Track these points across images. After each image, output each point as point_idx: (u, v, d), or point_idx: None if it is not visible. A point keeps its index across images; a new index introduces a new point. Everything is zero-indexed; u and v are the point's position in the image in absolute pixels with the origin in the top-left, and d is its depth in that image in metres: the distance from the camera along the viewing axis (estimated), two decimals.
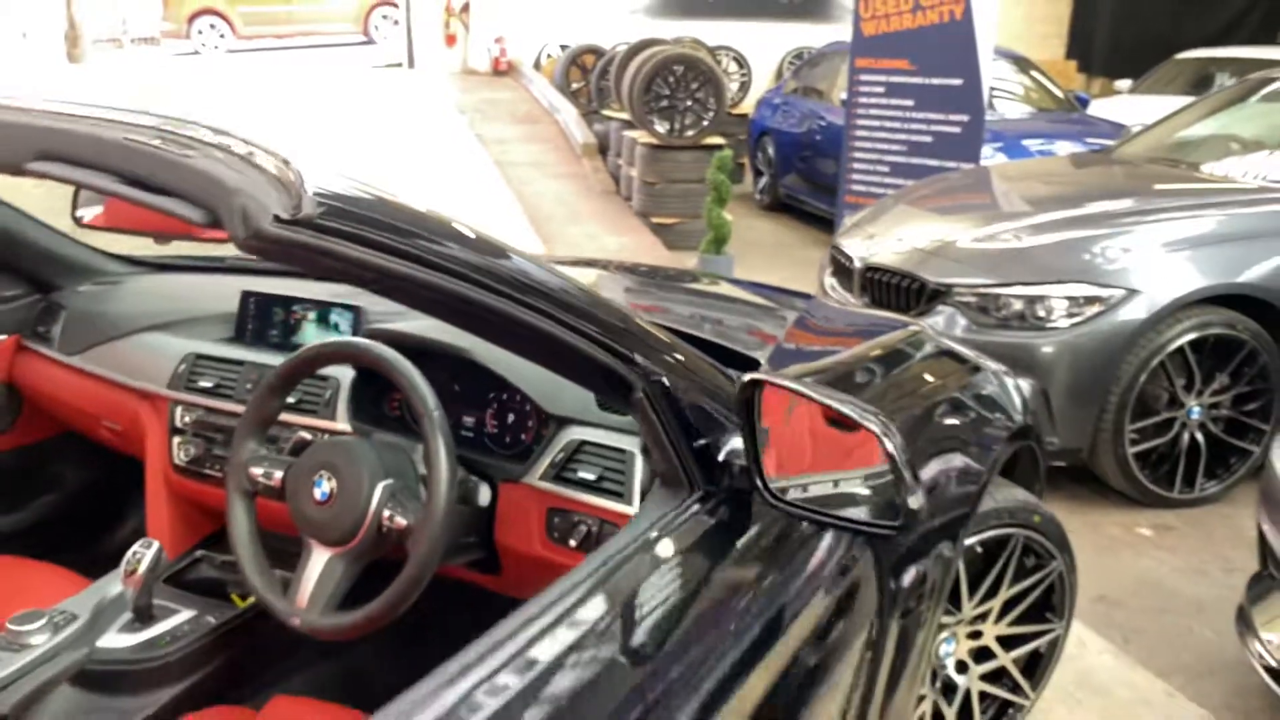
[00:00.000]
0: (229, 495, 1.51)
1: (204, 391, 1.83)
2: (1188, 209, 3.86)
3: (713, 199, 6.24)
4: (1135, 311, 3.45)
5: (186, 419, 1.84)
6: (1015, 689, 2.27)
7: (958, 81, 5.67)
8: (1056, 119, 7.44)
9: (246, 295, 1.95)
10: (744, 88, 11.68)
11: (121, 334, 1.98)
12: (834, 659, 1.43)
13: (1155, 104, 7.47)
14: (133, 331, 1.98)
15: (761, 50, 11.91)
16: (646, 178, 7.64)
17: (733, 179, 6.46)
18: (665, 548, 1.19)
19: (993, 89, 7.12)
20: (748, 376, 1.21)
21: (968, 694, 2.21)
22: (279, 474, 1.47)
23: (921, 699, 2.11)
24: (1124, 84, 10.49)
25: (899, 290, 3.86)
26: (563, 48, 11.52)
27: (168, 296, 2.10)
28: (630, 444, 1.47)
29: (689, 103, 7.63)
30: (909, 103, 5.88)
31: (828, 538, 1.38)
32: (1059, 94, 7.83)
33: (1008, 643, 2.24)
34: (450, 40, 11.45)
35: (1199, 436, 3.59)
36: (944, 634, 2.13)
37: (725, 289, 2.70)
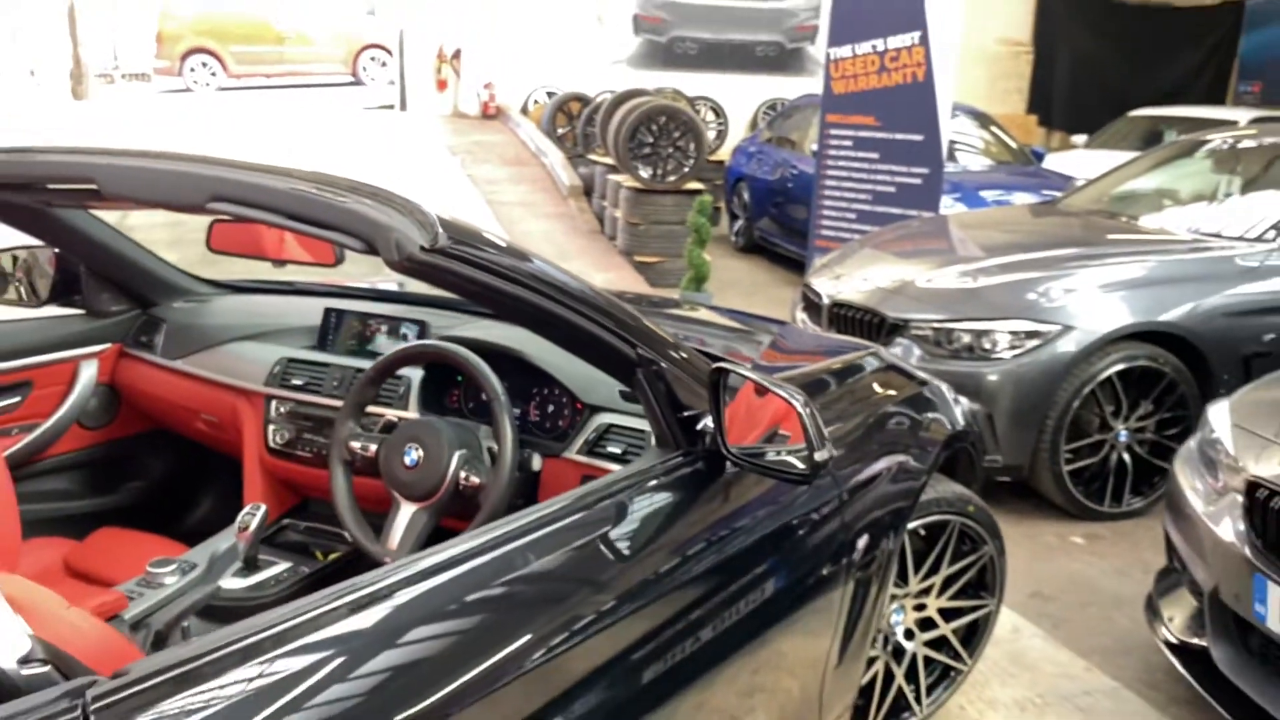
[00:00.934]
0: (331, 466, 1.92)
1: (295, 388, 2.24)
2: (1121, 256, 4.35)
3: (693, 240, 6.73)
4: (1070, 345, 3.92)
5: (281, 410, 2.25)
6: (955, 656, 2.69)
7: (919, 137, 6.19)
8: (1013, 171, 8.00)
9: (329, 311, 2.37)
10: (721, 136, 12.24)
11: (218, 342, 2.39)
12: (798, 585, 1.86)
13: (1108, 158, 8.03)
14: (228, 341, 2.39)
15: (737, 101, 12.50)
16: (630, 219, 8.11)
17: (710, 222, 6.94)
18: (651, 485, 1.61)
19: (954, 142, 7.67)
20: (714, 365, 1.65)
21: (914, 658, 2.62)
22: (373, 447, 1.88)
23: (874, 660, 2.52)
24: (1080, 139, 11.13)
25: (862, 324, 4.32)
26: (549, 94, 12.05)
27: (250, 313, 2.51)
28: (647, 425, 1.90)
29: (671, 150, 8.14)
30: (874, 155, 6.40)
31: (783, 491, 1.81)
32: (1016, 148, 8.39)
33: (948, 615, 2.66)
34: (441, 85, 11.95)
35: (1126, 457, 4.06)
36: (894, 604, 2.55)
37: (705, 315, 3.14)
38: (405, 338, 2.26)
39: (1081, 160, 9.21)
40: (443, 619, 1.24)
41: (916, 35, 6.10)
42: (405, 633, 1.18)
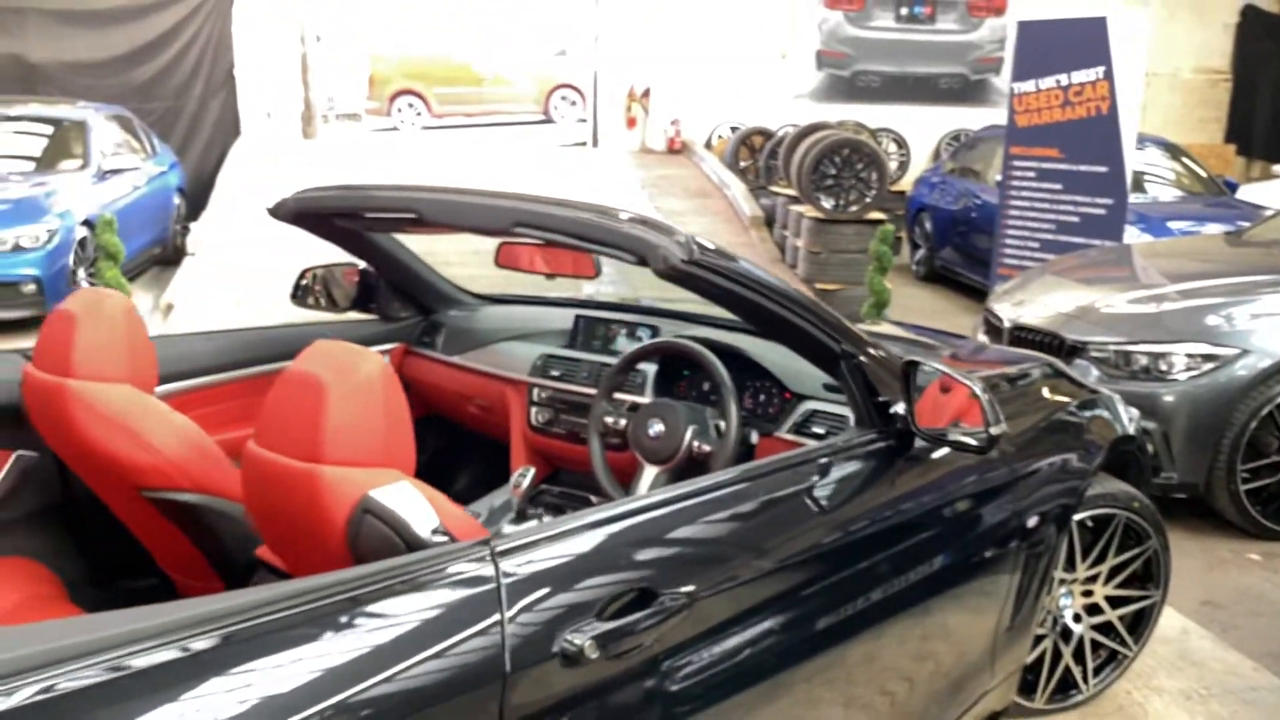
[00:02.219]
0: (590, 437, 2.41)
1: (554, 378, 2.76)
2: None
3: (875, 268, 7.03)
4: (1247, 368, 4.07)
5: (542, 396, 2.77)
6: (1121, 642, 2.95)
7: (1103, 169, 6.34)
8: (1203, 202, 7.94)
9: (579, 317, 2.88)
10: (903, 167, 12.43)
11: (488, 342, 2.93)
12: (972, 548, 2.22)
13: None
14: (496, 341, 2.93)
15: (920, 132, 12.67)
16: (812, 248, 8.48)
17: (891, 250, 7.24)
18: (850, 456, 2.00)
19: (1142, 174, 7.71)
20: (906, 358, 2.04)
21: (1082, 640, 2.90)
22: (623, 422, 2.36)
23: (1042, 639, 2.81)
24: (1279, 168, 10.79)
25: (1042, 347, 4.55)
26: (733, 129, 12.56)
27: (509, 319, 3.05)
28: (845, 411, 2.30)
29: (853, 181, 8.45)
30: (1058, 186, 6.57)
31: (968, 462, 2.17)
32: (1206, 178, 8.31)
33: (1114, 603, 2.93)
34: (631, 122, 12.65)
35: None
36: (1063, 589, 2.83)
37: (889, 328, 3.50)
38: (641, 339, 2.74)
39: (1279, 191, 9.00)
40: (687, 530, 1.68)
41: (1101, 70, 6.26)
42: (662, 536, 1.63)
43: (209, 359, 2.65)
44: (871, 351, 2.07)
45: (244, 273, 7.86)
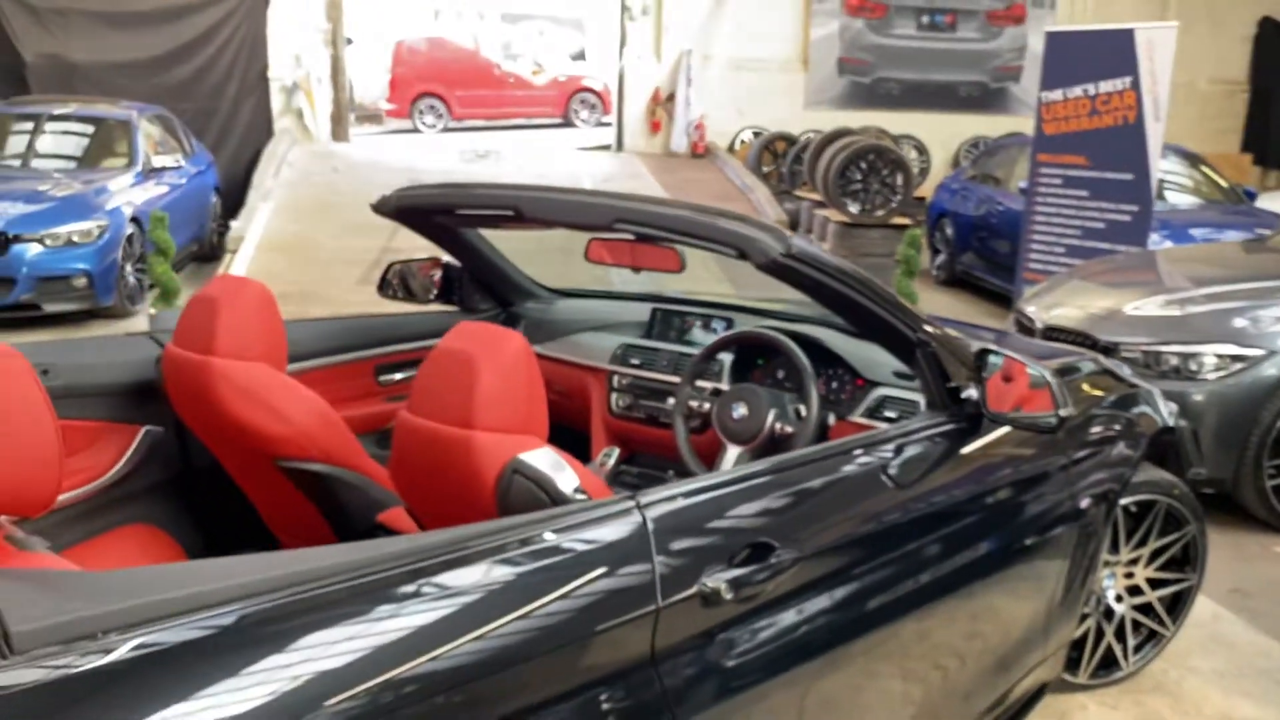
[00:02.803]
0: (675, 420, 2.60)
1: (634, 366, 2.94)
2: None
3: (902, 271, 7.21)
4: (1274, 368, 4.24)
5: (622, 383, 2.95)
6: (1160, 622, 3.12)
7: (1129, 176, 6.51)
8: (1223, 210, 8.09)
9: (655, 310, 3.07)
10: (923, 173, 12.61)
11: (568, 333, 3.12)
12: (1032, 526, 2.40)
13: None
14: (575, 332, 3.12)
15: (940, 139, 12.86)
16: (838, 252, 8.67)
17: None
18: (924, 436, 2.18)
19: (1163, 181, 7.88)
20: (977, 346, 2.21)
21: (1123, 620, 3.07)
22: (707, 406, 2.54)
23: (1086, 618, 2.98)
24: None
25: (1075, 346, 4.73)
26: (755, 134, 12.75)
27: (584, 311, 3.24)
28: (915, 396, 2.48)
29: (878, 186, 8.67)
30: (1084, 193, 6.74)
31: (1028, 447, 2.35)
32: (1226, 187, 8.48)
33: (1154, 585, 3.10)
34: (655, 126, 12.86)
35: None
36: (1106, 571, 3.01)
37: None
38: (715, 330, 2.93)
39: None
40: (789, 497, 1.85)
41: (1128, 80, 6.44)
42: (769, 500, 1.81)
43: (316, 343, 2.84)
44: (945, 340, 2.25)
45: (282, 268, 8.07)
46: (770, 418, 2.44)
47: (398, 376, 3.06)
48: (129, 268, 7.49)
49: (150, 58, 11.05)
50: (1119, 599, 3.06)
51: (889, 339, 2.23)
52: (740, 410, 2.48)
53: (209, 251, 9.46)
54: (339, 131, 12.40)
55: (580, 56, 20.76)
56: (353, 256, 8.24)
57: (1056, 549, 2.54)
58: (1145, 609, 3.11)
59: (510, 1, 20.94)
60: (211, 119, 11.29)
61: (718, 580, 1.57)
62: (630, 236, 2.38)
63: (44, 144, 8.47)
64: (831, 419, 2.54)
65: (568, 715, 1.37)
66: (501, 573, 1.39)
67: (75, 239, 7.03)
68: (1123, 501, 2.89)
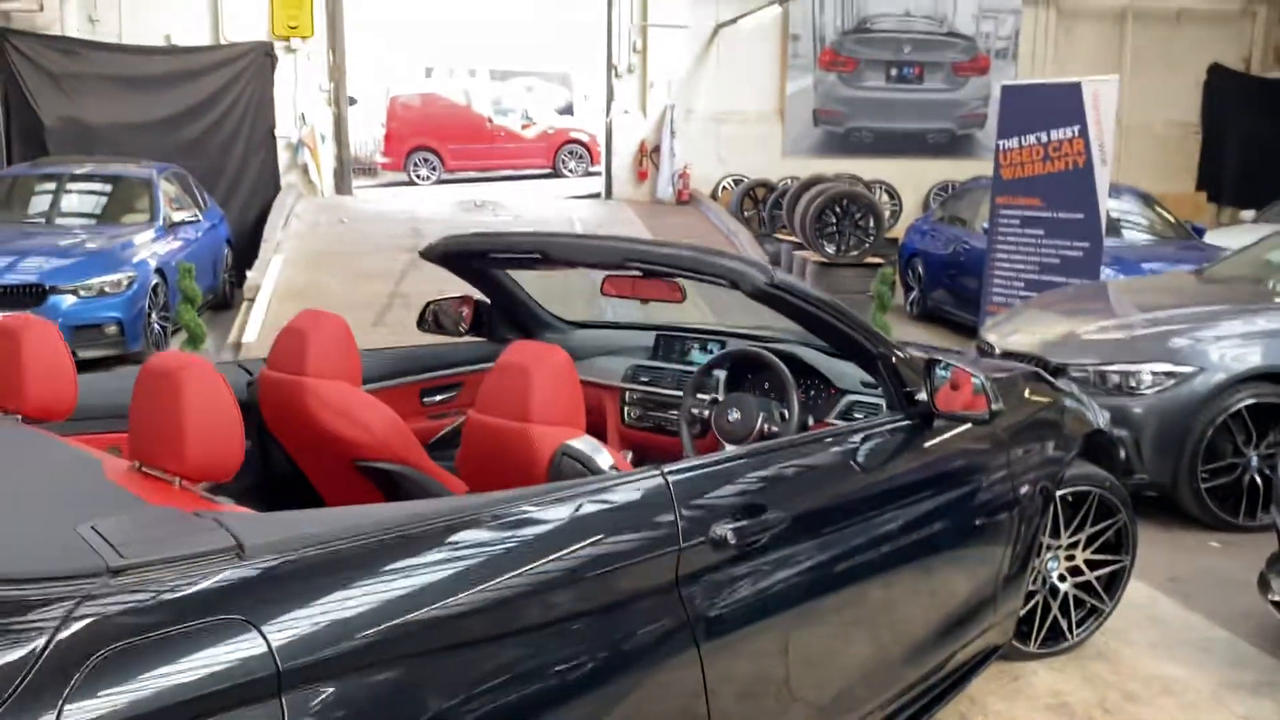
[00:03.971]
0: (680, 425, 3.11)
1: (643, 383, 3.47)
2: (1249, 312, 5.19)
3: (876, 306, 7.78)
4: (1203, 383, 4.79)
5: (633, 397, 3.47)
6: (1099, 598, 3.62)
7: (1080, 215, 7.11)
8: (1174, 245, 8.71)
9: (659, 336, 3.60)
10: (895, 215, 13.25)
11: (584, 357, 3.63)
12: (977, 510, 2.91)
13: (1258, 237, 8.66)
14: (590, 356, 3.64)
15: (910, 183, 13.54)
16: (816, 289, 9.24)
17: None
18: (883, 430, 2.69)
19: (1118, 220, 8.50)
20: (925, 358, 2.74)
21: (1066, 597, 3.57)
22: (706, 413, 3.06)
23: (1034, 594, 3.48)
24: (1248, 214, 11.63)
25: None
26: (735, 181, 13.40)
27: (598, 339, 3.76)
28: (878, 401, 2.99)
29: (852, 229, 9.26)
30: (1040, 232, 7.34)
31: (973, 443, 2.87)
32: (1176, 224, 9.10)
33: (1092, 566, 3.61)
34: (642, 175, 13.51)
35: (1257, 478, 4.85)
36: (1050, 553, 3.51)
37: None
38: (711, 351, 3.46)
39: (1246, 234, 9.78)
40: (774, 473, 2.35)
41: (1076, 129, 7.06)
42: (761, 475, 2.31)
43: (372, 370, 3.34)
44: (900, 353, 2.78)
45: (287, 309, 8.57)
46: (759, 420, 2.96)
47: (439, 398, 3.57)
48: (154, 316, 7.98)
49: (162, 118, 11.62)
50: (1062, 578, 3.57)
51: (854, 352, 2.76)
52: (734, 414, 3.00)
53: (222, 300, 9.97)
54: (342, 185, 12.97)
55: (568, 110, 21.50)
56: (364, 301, 8.73)
57: (999, 530, 3.05)
58: (1086, 587, 3.62)
59: (499, 58, 21.69)
60: (221, 175, 11.83)
61: (724, 529, 2.08)
62: (637, 273, 2.91)
63: (68, 201, 9.00)
64: (810, 420, 3.06)
65: (621, 618, 1.87)
66: (567, 515, 1.90)
67: (106, 290, 7.53)
68: (1060, 492, 3.41)
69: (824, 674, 2.46)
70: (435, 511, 1.77)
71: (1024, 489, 3.12)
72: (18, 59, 11.11)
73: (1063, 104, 7.15)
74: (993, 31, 14.01)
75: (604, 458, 2.23)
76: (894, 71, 13.92)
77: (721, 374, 3.29)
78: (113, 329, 7.54)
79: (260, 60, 12.13)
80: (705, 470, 2.19)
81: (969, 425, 2.88)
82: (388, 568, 1.62)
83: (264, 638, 1.41)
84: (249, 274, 9.50)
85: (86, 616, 1.32)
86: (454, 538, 1.72)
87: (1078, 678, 3.48)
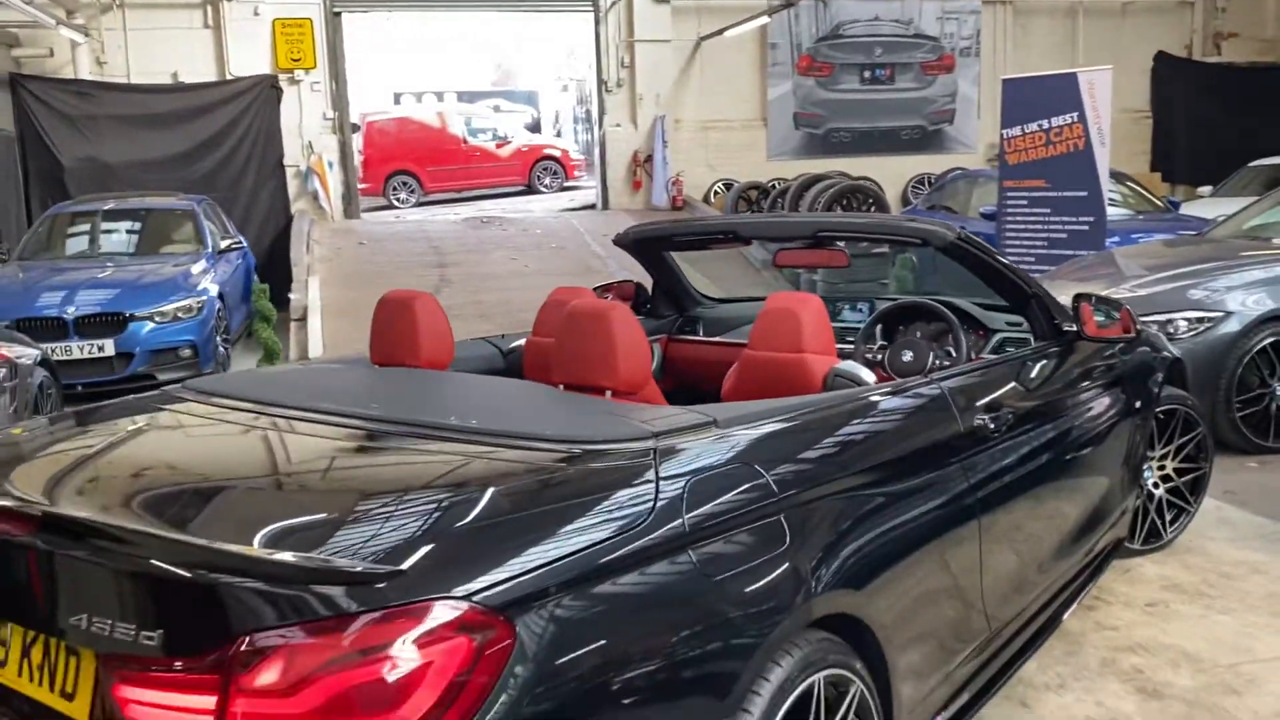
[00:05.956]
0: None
1: None
2: (1264, 262, 5.92)
3: (897, 290, 8.43)
4: (1232, 326, 5.49)
5: None
6: (1185, 501, 4.27)
7: (1084, 193, 7.85)
8: (1155, 218, 9.53)
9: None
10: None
11: (736, 326, 4.19)
12: (1110, 418, 3.53)
13: (1234, 204, 9.51)
14: (741, 324, 4.20)
15: (889, 178, 14.32)
16: (828, 278, 9.87)
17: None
18: (1038, 355, 3.30)
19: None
20: (1075, 294, 3.36)
21: (1161, 500, 4.22)
22: (880, 356, 3.65)
23: (1137, 498, 4.12)
24: (1206, 190, 12.56)
25: None
26: (726, 185, 14.06)
27: (742, 310, 4.30)
28: (1023, 336, 3.60)
29: None
30: (1046, 210, 8.07)
31: (1104, 365, 3.50)
32: (1154, 199, 9.93)
33: (1180, 474, 4.26)
34: (637, 185, 14.11)
35: None
36: (1146, 465, 4.15)
37: None
38: (860, 309, 4.05)
39: (1211, 206, 10.67)
40: (987, 383, 2.94)
41: (1075, 115, 7.81)
42: (944, 398, 2.91)
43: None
44: (1047, 293, 3.40)
45: (350, 329, 9.02)
46: (930, 357, 3.55)
47: None
48: (218, 339, 8.38)
49: (175, 154, 11.97)
50: (1156, 485, 4.22)
51: (1014, 293, 3.37)
52: (907, 355, 3.58)
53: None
54: (350, 210, 13.38)
55: (535, 128, 22.03)
56: None
57: (1124, 437, 3.68)
58: (1174, 492, 4.26)
59: (465, 80, 22.17)
60: (235, 205, 12.18)
61: (982, 417, 2.67)
62: (812, 245, 3.49)
63: (117, 234, 9.34)
64: (972, 355, 3.66)
65: (937, 479, 2.46)
66: (912, 403, 2.51)
67: (180, 315, 7.92)
68: (1156, 409, 4.06)
69: (1034, 542, 3.05)
70: (833, 399, 2.37)
71: (1137, 403, 3.76)
72: (33, 103, 11.39)
73: (1060, 93, 7.89)
74: (956, 31, 14.88)
75: (867, 374, 2.81)
76: (867, 73, 14.72)
77: (878, 327, 3.89)
78: (187, 351, 7.92)
79: (266, 92, 12.52)
80: (960, 380, 2.78)
81: (1102, 351, 3.51)
82: (811, 432, 2.21)
83: (766, 474, 1.98)
84: (291, 296, 9.89)
85: (667, 465, 1.87)
86: (854, 415, 2.34)
87: (1178, 566, 4.12)
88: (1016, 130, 8.15)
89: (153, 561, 1.51)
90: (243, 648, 1.41)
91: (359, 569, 1.45)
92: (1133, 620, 3.65)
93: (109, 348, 7.59)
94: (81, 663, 1.60)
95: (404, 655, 1.41)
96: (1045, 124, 7.98)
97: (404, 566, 1.46)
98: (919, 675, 2.35)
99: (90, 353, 7.53)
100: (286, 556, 1.48)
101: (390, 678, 1.40)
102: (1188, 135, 15.44)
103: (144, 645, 1.47)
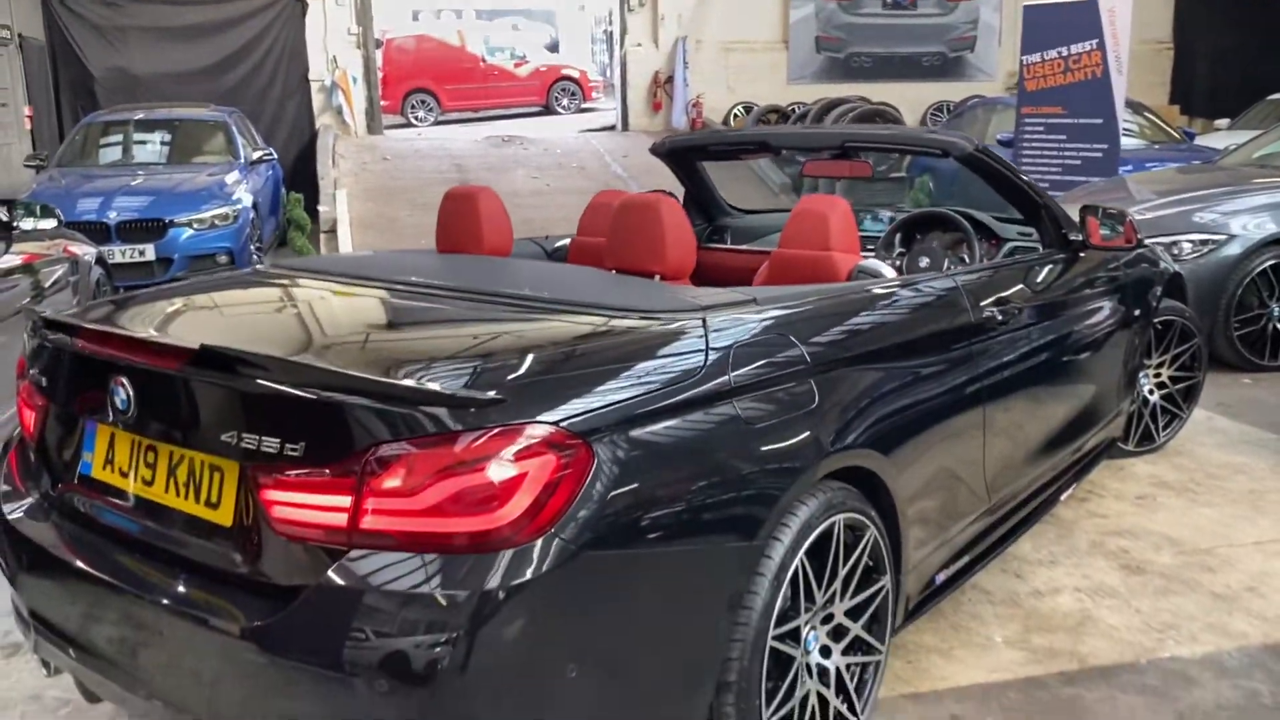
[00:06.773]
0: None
1: None
2: (1268, 188, 6.13)
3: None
4: (1234, 248, 5.73)
5: None
6: (1178, 407, 4.56)
7: (1099, 121, 8.01)
8: (1170, 148, 9.66)
9: None
10: None
11: (763, 235, 4.45)
12: (1110, 322, 3.80)
13: (1251, 136, 9.64)
14: (767, 234, 4.46)
15: (908, 104, 14.38)
16: (848, 199, 10.08)
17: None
18: (1046, 260, 3.56)
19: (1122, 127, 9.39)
20: (1079, 206, 3.61)
21: (1155, 406, 4.51)
22: (899, 263, 3.91)
23: (1132, 402, 4.40)
24: (1223, 122, 12.61)
25: None
26: (745, 109, 14.16)
27: (767, 221, 4.56)
28: (1032, 245, 3.85)
29: None
30: (1062, 137, 8.23)
31: (1107, 274, 3.76)
32: (1170, 130, 10.04)
33: (1174, 381, 4.54)
34: (657, 106, 14.23)
35: (1278, 326, 5.83)
36: (1142, 372, 4.43)
37: None
38: (881, 219, 4.30)
39: (1227, 138, 10.77)
40: (995, 280, 3.21)
41: (1094, 42, 7.93)
42: (957, 291, 3.18)
43: None
44: (1056, 204, 3.64)
45: (377, 240, 9.30)
46: (945, 263, 3.82)
47: None
48: (252, 247, 8.65)
49: (202, 67, 12.11)
50: (1151, 392, 4.50)
51: (1024, 203, 3.62)
52: (924, 261, 3.84)
53: (282, 238, 10.60)
54: (373, 125, 13.54)
55: (554, 48, 21.96)
56: (431, 229, 9.44)
57: (1123, 342, 3.95)
58: (1168, 399, 4.55)
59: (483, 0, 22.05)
60: (259, 119, 12.33)
61: (991, 310, 2.95)
62: (840, 156, 3.73)
63: (152, 143, 9.55)
64: (985, 261, 3.92)
65: (952, 361, 2.75)
66: (937, 288, 2.81)
67: (217, 222, 8.19)
68: (1154, 320, 4.32)
69: (1033, 429, 3.34)
70: (858, 287, 2.66)
71: (1136, 312, 4.02)
72: (64, 13, 11.52)
73: (1081, 20, 8.00)
74: None
75: (889, 271, 3.08)
76: None
77: (898, 235, 4.14)
78: (224, 258, 8.20)
79: (292, 7, 12.61)
80: (971, 276, 3.05)
81: (1106, 263, 3.77)
82: (838, 313, 2.50)
83: (800, 345, 2.27)
84: (321, 209, 10.13)
85: (714, 331, 2.16)
86: (876, 301, 2.63)
87: (1167, 466, 4.42)
88: (1036, 57, 8.27)
89: (298, 385, 1.80)
90: (374, 456, 1.71)
91: (470, 395, 1.74)
92: (1122, 510, 3.96)
93: (149, 252, 7.88)
94: (225, 476, 1.90)
95: (504, 465, 1.71)
96: (1065, 51, 8.10)
97: (504, 395, 1.76)
98: (925, 526, 2.67)
99: (132, 257, 7.82)
100: (410, 382, 1.77)
101: (494, 482, 1.70)
102: (1210, 67, 15.41)
103: (289, 456, 1.77)
